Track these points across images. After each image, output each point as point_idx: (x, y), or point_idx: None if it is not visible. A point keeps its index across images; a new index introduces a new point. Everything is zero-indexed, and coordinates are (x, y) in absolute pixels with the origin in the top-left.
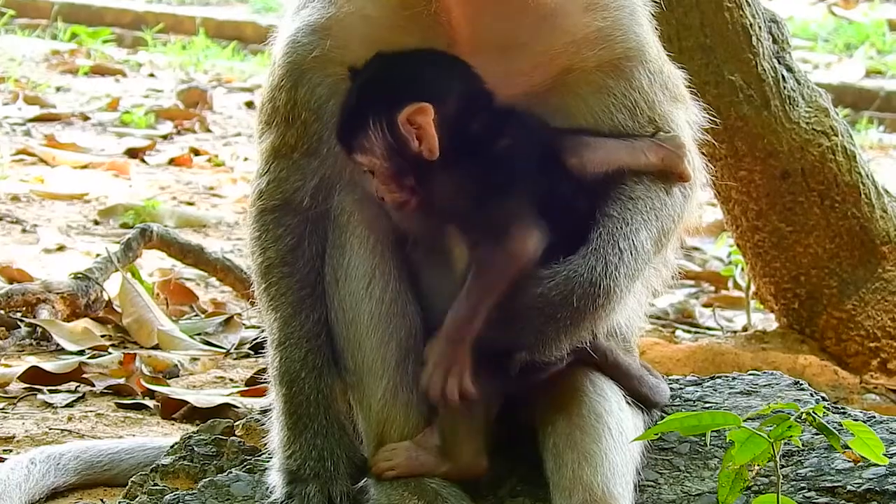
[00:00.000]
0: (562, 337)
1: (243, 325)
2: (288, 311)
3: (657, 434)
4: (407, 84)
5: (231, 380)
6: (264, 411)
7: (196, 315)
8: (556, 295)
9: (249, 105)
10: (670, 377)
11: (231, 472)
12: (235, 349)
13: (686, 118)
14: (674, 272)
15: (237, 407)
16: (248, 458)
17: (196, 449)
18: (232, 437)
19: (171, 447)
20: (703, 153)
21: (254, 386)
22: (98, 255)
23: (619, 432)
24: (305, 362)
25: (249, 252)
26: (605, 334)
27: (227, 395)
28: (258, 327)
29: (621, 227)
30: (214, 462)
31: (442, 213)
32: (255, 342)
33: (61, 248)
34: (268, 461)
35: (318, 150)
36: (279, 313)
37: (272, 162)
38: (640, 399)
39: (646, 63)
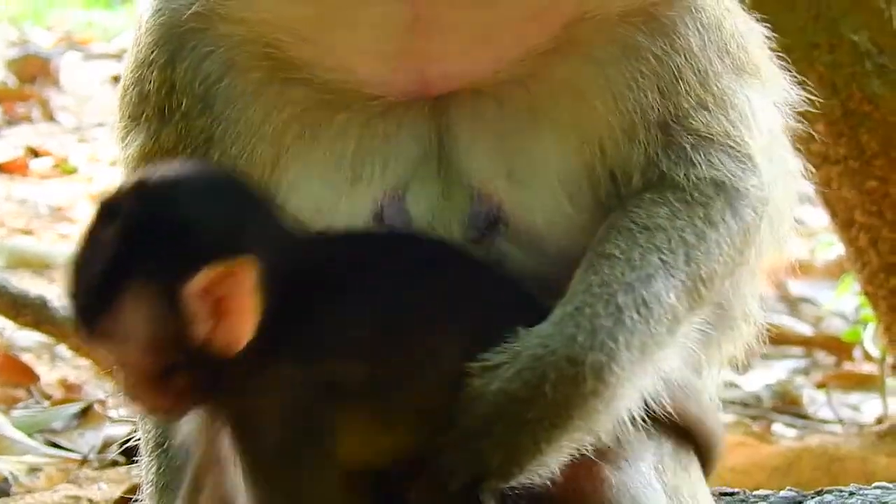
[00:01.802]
0: (542, 446)
1: (108, 417)
2: None
3: None
4: (202, 225)
5: (90, 500)
6: None
7: (37, 403)
8: (519, 388)
9: (117, 80)
10: (758, 493)
11: None
12: (97, 454)
13: (764, 100)
14: (759, 331)
15: None
16: None
17: None
18: None
19: None
20: (801, 152)
21: None
22: None
23: None
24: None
25: None
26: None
27: None
28: (132, 420)
29: (623, 273)
30: None
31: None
32: (125, 443)
33: None
34: None
35: (208, 157)
36: None
37: None
38: None
39: (696, 13)
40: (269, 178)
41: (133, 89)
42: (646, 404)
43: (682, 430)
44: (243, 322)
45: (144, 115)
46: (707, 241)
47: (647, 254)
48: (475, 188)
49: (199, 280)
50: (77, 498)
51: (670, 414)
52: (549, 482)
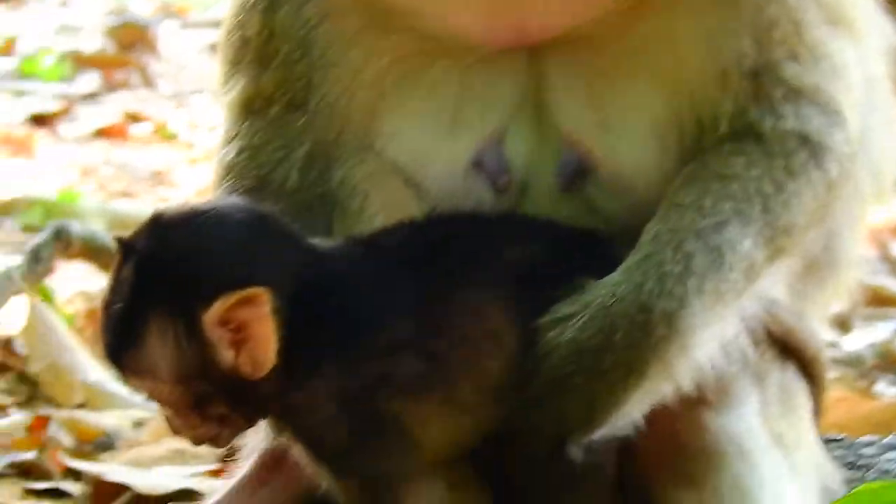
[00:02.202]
0: (620, 396)
1: None
2: None
3: None
4: (215, 257)
5: (194, 454)
6: None
7: None
8: (591, 337)
9: (214, 49)
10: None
11: None
12: None
13: (860, 50)
14: (859, 286)
15: (203, 494)
16: None
17: None
18: None
19: None
20: None
21: (230, 460)
22: None
23: None
24: None
25: None
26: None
27: (190, 477)
28: None
29: (692, 221)
30: None
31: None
32: None
33: None
34: None
35: (307, 102)
36: None
37: (243, 122)
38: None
39: None
40: (367, 125)
41: (234, 34)
42: (748, 333)
43: (788, 354)
44: (265, 346)
45: (244, 62)
46: (786, 191)
47: (720, 202)
48: (566, 136)
49: (217, 308)
50: (181, 451)
51: (774, 335)
52: (646, 431)
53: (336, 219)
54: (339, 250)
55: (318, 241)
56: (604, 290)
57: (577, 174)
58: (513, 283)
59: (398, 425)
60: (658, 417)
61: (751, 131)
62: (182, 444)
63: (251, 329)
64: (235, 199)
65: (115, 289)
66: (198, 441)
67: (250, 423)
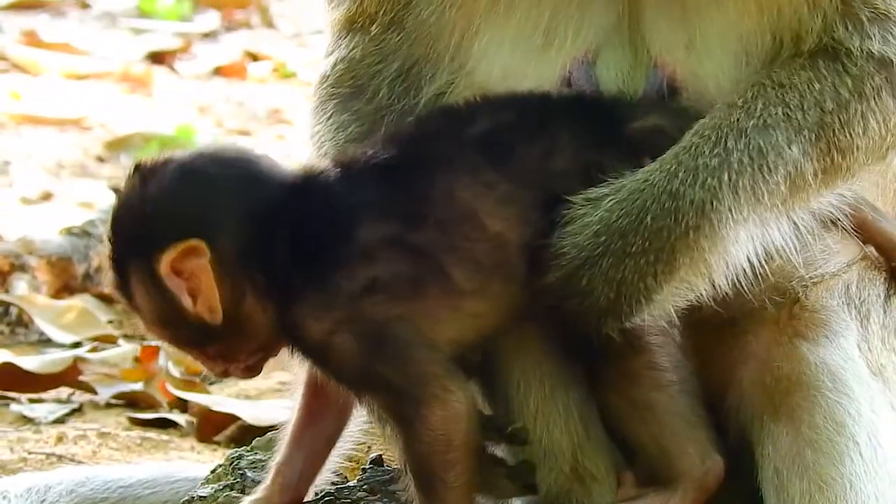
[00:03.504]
0: (649, 282)
1: None
2: None
3: None
4: (165, 208)
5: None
6: None
7: None
8: (620, 217)
9: None
10: None
11: None
12: None
13: None
14: None
15: None
16: (329, 488)
17: (249, 474)
18: None
19: (212, 472)
20: None
21: None
22: (104, 205)
23: (871, 448)
24: None
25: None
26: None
27: None
28: None
29: (738, 119)
30: None
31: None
32: None
33: (47, 197)
34: (358, 493)
35: (404, 21)
36: None
37: (344, 37)
38: None
39: None
40: (459, 44)
41: None
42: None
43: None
44: (210, 295)
45: None
46: (849, 110)
47: (771, 106)
48: (655, 57)
49: (164, 260)
50: (289, 384)
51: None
52: (744, 361)
53: None
54: (319, 176)
55: (300, 171)
56: (639, 176)
57: (663, 94)
58: (479, 158)
59: (405, 330)
60: (756, 347)
61: (831, 49)
62: (289, 376)
63: (198, 278)
64: (217, 148)
65: (108, 233)
66: (217, 374)
67: (255, 355)
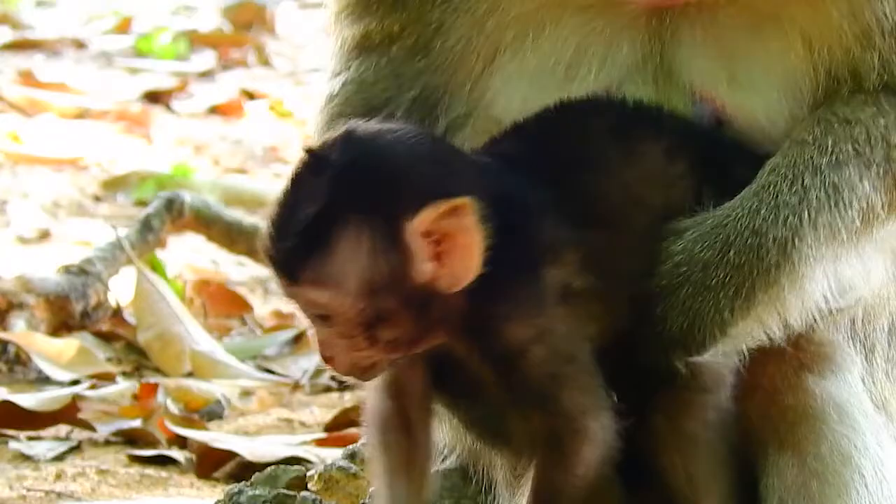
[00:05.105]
0: (725, 316)
1: None
2: None
3: None
4: (418, 168)
5: (302, 423)
6: (352, 455)
7: (250, 332)
8: (702, 250)
9: None
10: None
11: None
12: (309, 379)
13: None
14: None
15: (311, 462)
16: None
17: None
18: (304, 493)
19: None
20: None
21: (337, 431)
22: (101, 243)
23: (877, 480)
24: None
25: None
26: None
27: (297, 445)
28: None
29: (812, 157)
30: None
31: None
32: None
33: (45, 236)
34: None
35: (430, 45)
36: None
37: (355, 58)
38: None
39: None
40: (480, 75)
41: None
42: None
43: None
44: (469, 258)
45: (374, 3)
46: None
47: (841, 142)
48: (696, 91)
49: (424, 217)
50: (289, 420)
51: None
52: (750, 393)
53: None
54: (488, 163)
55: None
56: (722, 211)
57: (711, 125)
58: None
59: (582, 342)
60: (762, 379)
61: (892, 85)
62: (290, 413)
63: (455, 240)
64: (416, 127)
65: (299, 194)
66: (351, 370)
67: (414, 349)
